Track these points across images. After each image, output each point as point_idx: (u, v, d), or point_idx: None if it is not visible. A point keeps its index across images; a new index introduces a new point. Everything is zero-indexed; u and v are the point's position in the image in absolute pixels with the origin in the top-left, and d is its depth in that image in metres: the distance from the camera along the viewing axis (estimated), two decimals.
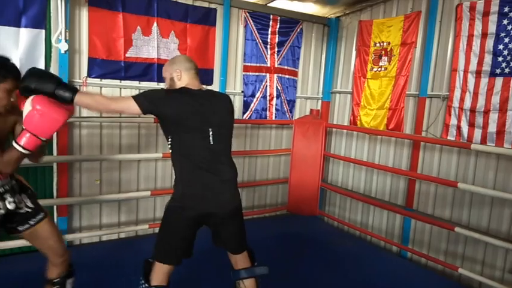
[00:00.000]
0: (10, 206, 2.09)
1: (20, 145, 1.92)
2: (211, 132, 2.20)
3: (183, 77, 2.32)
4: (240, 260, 2.43)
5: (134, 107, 2.09)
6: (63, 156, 3.77)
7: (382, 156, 4.65)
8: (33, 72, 2.01)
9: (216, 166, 2.23)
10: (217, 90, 4.60)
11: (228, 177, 2.29)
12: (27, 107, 1.92)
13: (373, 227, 4.75)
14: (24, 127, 1.93)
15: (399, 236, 4.41)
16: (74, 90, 2.03)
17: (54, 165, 3.78)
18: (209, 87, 4.57)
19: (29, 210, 2.21)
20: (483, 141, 3.56)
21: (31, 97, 1.93)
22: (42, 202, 3.58)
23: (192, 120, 2.17)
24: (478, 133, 3.61)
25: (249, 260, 2.47)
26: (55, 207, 3.84)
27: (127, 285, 3.23)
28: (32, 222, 2.21)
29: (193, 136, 2.19)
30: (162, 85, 4.26)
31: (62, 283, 2.36)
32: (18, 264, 3.48)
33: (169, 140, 2.23)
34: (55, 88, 1.97)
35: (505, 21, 3.42)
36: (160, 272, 2.24)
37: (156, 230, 4.36)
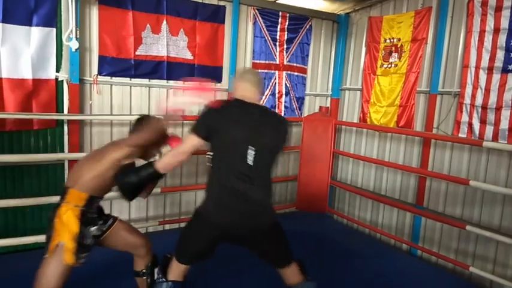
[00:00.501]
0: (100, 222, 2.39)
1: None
2: (253, 152, 2.11)
3: (238, 88, 2.29)
4: (288, 274, 2.36)
5: (195, 139, 2.13)
6: (74, 154, 3.80)
7: (392, 153, 4.61)
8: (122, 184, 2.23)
9: (249, 185, 2.12)
10: (226, 88, 4.62)
11: (257, 199, 2.16)
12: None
13: (383, 225, 4.73)
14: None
15: (409, 234, 4.38)
16: (151, 165, 2.20)
17: (66, 163, 3.83)
18: (218, 85, 4.59)
19: (101, 221, 2.41)
20: (495, 138, 3.52)
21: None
22: (54, 199, 3.65)
23: (236, 134, 2.11)
24: (489, 130, 3.56)
25: (298, 273, 2.38)
26: None
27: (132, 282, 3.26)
28: (104, 228, 2.41)
29: (232, 152, 2.12)
30: (171, 82, 4.30)
31: (150, 272, 2.50)
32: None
33: (211, 153, 2.17)
34: (137, 176, 2.19)
35: None
36: (177, 268, 2.27)
37: (166, 227, 4.43)
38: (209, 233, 2.19)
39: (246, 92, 2.27)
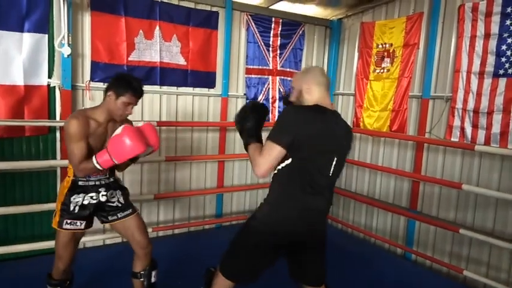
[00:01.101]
0: (102, 198, 2.49)
1: (97, 161, 2.24)
2: (334, 161, 2.03)
3: (313, 93, 2.09)
4: None
5: (277, 149, 1.91)
6: (66, 161, 3.74)
7: (385, 158, 4.63)
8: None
9: (320, 195, 2.06)
10: (219, 93, 4.62)
11: (323, 207, 2.12)
12: (117, 131, 2.24)
13: (377, 229, 4.73)
14: (106, 147, 2.25)
15: (403, 238, 4.39)
16: (255, 139, 2.11)
17: (58, 170, 3.79)
18: (212, 91, 4.59)
19: (119, 205, 2.56)
20: (487, 142, 3.55)
21: (123, 125, 2.26)
22: (46, 206, 3.62)
23: (323, 144, 1.98)
24: (481, 134, 3.59)
25: None
26: None
27: None
28: (119, 215, 2.55)
29: (315, 161, 1.99)
30: (164, 88, 4.29)
31: (148, 275, 2.62)
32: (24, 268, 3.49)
33: (285, 161, 1.98)
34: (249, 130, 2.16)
35: (508, 22, 3.41)
36: (223, 284, 2.13)
37: (160, 233, 4.39)
38: (268, 249, 2.05)
39: (322, 98, 2.10)
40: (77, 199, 2.43)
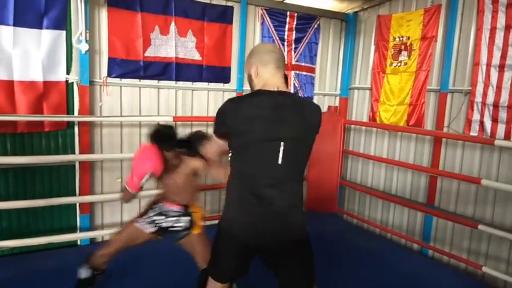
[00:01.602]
0: (166, 224, 2.78)
1: (127, 185, 2.56)
2: (281, 148, 1.77)
3: (260, 74, 1.89)
4: None
5: (216, 140, 1.93)
6: (84, 155, 3.84)
7: (402, 152, 4.58)
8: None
9: (272, 189, 1.80)
10: (234, 88, 4.62)
11: (281, 203, 1.83)
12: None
13: (393, 225, 4.69)
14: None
15: (420, 234, 4.34)
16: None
17: (77, 164, 3.86)
18: (226, 86, 4.59)
19: (181, 229, 2.80)
20: (507, 136, 3.47)
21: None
22: (64, 200, 3.70)
23: (258, 130, 1.77)
24: (501, 128, 3.52)
25: None
26: (77, 205, 3.93)
27: (148, 280, 3.29)
28: (181, 236, 2.82)
29: (256, 151, 1.80)
30: (180, 84, 4.31)
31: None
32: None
33: (229, 155, 1.89)
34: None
35: None
36: (213, 286, 2.03)
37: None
38: (234, 249, 1.91)
39: (270, 78, 1.88)
40: (150, 215, 2.83)
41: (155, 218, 2.80)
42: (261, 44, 2.07)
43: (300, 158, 1.88)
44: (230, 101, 1.87)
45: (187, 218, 2.80)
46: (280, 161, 1.78)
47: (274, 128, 1.77)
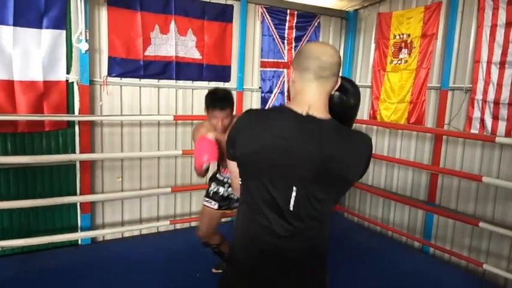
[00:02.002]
0: (226, 193, 3.06)
1: (195, 167, 2.72)
2: (294, 192, 1.36)
3: (296, 84, 1.43)
4: None
5: (230, 163, 1.55)
6: (85, 155, 3.84)
7: (403, 150, 4.57)
8: None
9: (282, 239, 1.41)
10: (234, 87, 4.61)
11: (291, 254, 1.45)
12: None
13: (394, 223, 4.69)
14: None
15: (421, 232, 4.34)
16: None
17: (77, 163, 3.87)
18: (227, 84, 4.58)
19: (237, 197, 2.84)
20: (508, 134, 3.47)
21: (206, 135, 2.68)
22: (65, 200, 3.71)
23: (270, 165, 1.38)
24: (502, 126, 3.51)
25: None
26: (78, 204, 3.93)
27: (150, 280, 3.29)
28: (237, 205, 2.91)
29: (262, 188, 1.41)
30: (180, 83, 4.31)
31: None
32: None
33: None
34: None
35: None
36: None
37: (178, 226, 4.45)
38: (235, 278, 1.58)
39: (302, 91, 1.41)
40: (212, 187, 3.10)
41: (214, 189, 3.07)
42: (311, 44, 1.48)
43: (314, 208, 1.39)
44: (247, 115, 1.49)
45: None
46: (291, 207, 1.38)
47: (289, 165, 1.36)
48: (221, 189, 3.07)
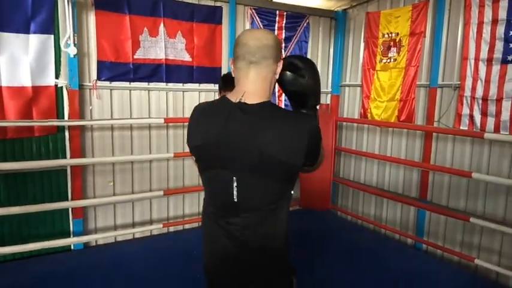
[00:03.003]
0: None
1: None
2: (235, 183, 1.36)
3: (235, 73, 1.44)
4: None
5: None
6: (76, 160, 3.81)
7: (394, 148, 4.60)
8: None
9: (228, 234, 1.42)
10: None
11: (236, 252, 1.43)
12: None
13: (387, 220, 4.72)
14: None
15: (414, 229, 4.37)
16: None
17: (68, 168, 3.84)
18: (217, 86, 4.56)
19: None
20: (496, 129, 3.50)
21: None
22: (57, 205, 3.68)
23: (211, 155, 1.39)
24: (491, 122, 3.55)
25: None
26: (70, 209, 3.90)
27: (144, 283, 3.28)
28: None
29: (211, 179, 1.45)
30: (170, 85, 4.31)
31: None
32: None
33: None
34: None
35: None
36: None
37: (171, 229, 4.44)
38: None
39: (241, 79, 1.41)
40: None
41: None
42: (242, 32, 1.45)
43: (256, 196, 1.38)
44: (196, 109, 1.52)
45: None
46: (235, 198, 1.37)
47: (227, 155, 1.36)
48: None
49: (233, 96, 1.40)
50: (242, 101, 1.37)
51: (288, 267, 1.52)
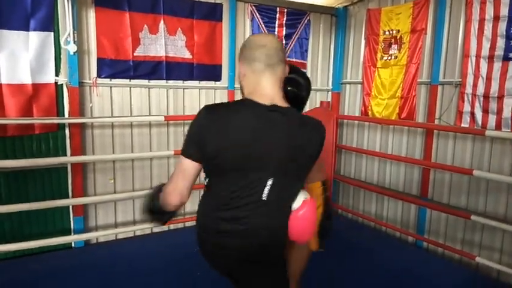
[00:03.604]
0: None
1: None
2: (270, 182, 1.42)
3: (247, 78, 1.49)
4: None
5: (186, 163, 1.44)
6: (76, 157, 3.81)
7: (395, 146, 4.59)
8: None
9: (242, 231, 1.47)
10: (225, 86, 4.60)
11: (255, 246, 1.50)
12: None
13: (388, 218, 4.71)
14: None
15: (414, 226, 4.36)
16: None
17: (69, 166, 3.84)
18: (218, 84, 4.57)
19: None
20: (498, 127, 3.49)
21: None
22: (57, 203, 3.68)
23: (239, 157, 1.40)
24: (492, 119, 3.54)
25: None
26: (71, 207, 3.90)
27: (144, 281, 3.28)
28: None
29: (232, 182, 1.44)
30: (170, 82, 4.29)
31: None
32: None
33: (206, 181, 1.56)
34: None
35: None
36: None
37: (171, 226, 4.43)
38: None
39: (257, 83, 1.46)
40: None
41: None
42: (252, 36, 1.56)
43: (286, 194, 1.50)
44: (205, 111, 1.43)
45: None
46: (265, 197, 1.43)
47: (257, 156, 1.40)
48: None
49: (259, 98, 1.44)
50: (274, 103, 1.44)
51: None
